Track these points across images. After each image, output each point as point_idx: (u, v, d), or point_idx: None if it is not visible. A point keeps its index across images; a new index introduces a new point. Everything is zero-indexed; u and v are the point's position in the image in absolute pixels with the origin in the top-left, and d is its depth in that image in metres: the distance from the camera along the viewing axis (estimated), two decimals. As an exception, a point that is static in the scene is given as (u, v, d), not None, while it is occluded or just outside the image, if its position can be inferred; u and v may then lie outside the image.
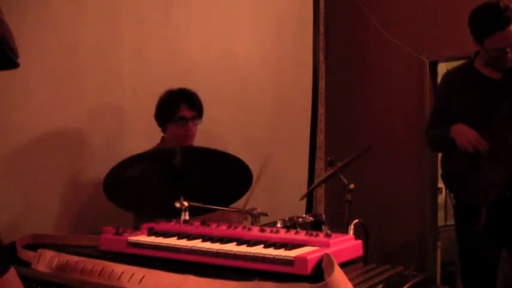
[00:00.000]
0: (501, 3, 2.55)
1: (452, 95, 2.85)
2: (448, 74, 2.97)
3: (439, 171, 2.97)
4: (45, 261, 1.74)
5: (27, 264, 1.79)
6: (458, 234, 2.91)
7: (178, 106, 2.69)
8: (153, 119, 2.77)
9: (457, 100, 2.81)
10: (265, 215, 2.18)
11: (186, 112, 2.70)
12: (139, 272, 1.53)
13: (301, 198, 3.29)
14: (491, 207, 2.67)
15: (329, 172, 2.84)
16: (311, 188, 3.76)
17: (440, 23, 3.99)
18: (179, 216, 2.01)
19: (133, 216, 2.58)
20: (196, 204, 2.08)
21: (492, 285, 2.78)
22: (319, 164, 4.44)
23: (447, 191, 3.04)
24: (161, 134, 2.80)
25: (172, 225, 1.90)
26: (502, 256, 2.83)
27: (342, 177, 2.71)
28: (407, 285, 1.47)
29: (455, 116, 2.79)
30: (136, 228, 1.90)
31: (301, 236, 1.66)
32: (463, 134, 2.69)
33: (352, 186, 2.68)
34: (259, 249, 1.52)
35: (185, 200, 2.03)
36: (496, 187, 2.65)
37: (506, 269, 3.14)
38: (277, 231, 1.71)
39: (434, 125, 2.93)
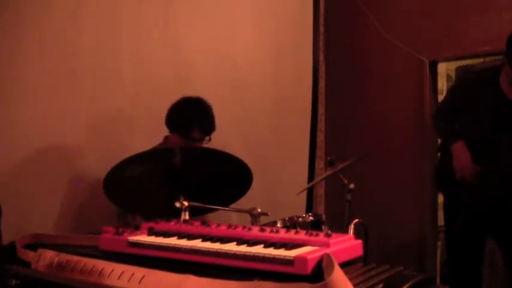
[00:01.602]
0: None
1: (466, 98, 2.87)
2: (469, 77, 2.99)
3: (439, 172, 2.98)
4: (45, 261, 1.74)
5: (27, 264, 1.78)
6: (446, 232, 2.99)
7: (192, 128, 2.67)
8: (153, 118, 2.77)
9: (470, 106, 2.83)
10: (265, 214, 2.18)
11: (198, 135, 2.68)
12: (139, 271, 1.53)
13: (299, 193, 3.28)
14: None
15: (329, 172, 2.85)
16: (311, 183, 3.76)
17: (440, 23, 3.99)
18: (179, 216, 2.01)
19: (118, 213, 2.54)
20: (196, 204, 2.08)
21: (478, 276, 2.83)
22: (319, 164, 4.44)
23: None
24: (162, 134, 2.79)
25: (172, 225, 1.90)
26: (496, 257, 2.90)
27: (342, 177, 2.72)
28: (407, 285, 1.47)
29: (463, 119, 2.83)
30: (123, 224, 1.90)
31: (301, 235, 1.66)
32: (459, 160, 2.76)
33: (352, 186, 2.68)
34: (259, 249, 1.52)
35: (185, 200, 2.03)
36: (491, 195, 2.71)
37: (501, 273, 3.17)
38: (277, 231, 1.71)
39: (445, 113, 2.99)
